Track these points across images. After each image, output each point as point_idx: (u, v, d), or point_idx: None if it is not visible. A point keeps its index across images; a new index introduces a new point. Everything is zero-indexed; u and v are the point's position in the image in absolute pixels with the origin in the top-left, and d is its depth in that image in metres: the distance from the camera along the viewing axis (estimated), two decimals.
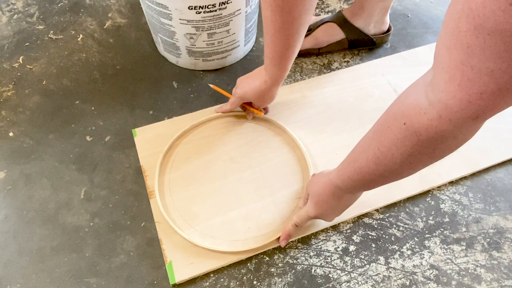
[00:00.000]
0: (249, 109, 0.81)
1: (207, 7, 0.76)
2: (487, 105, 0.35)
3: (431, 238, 0.72)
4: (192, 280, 0.67)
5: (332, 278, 0.67)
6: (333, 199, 0.61)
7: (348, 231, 0.72)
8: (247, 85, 0.75)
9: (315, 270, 0.68)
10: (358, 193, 0.62)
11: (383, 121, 0.48)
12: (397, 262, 0.69)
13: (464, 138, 0.42)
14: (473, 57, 0.33)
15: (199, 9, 0.76)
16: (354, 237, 0.72)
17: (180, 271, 0.66)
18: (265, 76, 0.72)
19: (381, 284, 0.67)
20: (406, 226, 0.73)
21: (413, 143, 0.42)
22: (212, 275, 0.67)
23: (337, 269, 0.68)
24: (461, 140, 0.42)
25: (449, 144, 0.42)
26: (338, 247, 0.71)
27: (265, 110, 0.83)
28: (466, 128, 0.39)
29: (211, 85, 0.85)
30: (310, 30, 0.92)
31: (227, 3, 0.77)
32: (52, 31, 0.97)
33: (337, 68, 0.93)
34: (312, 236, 0.71)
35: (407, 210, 0.75)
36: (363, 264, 0.69)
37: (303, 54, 0.93)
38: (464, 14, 0.32)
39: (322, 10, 1.03)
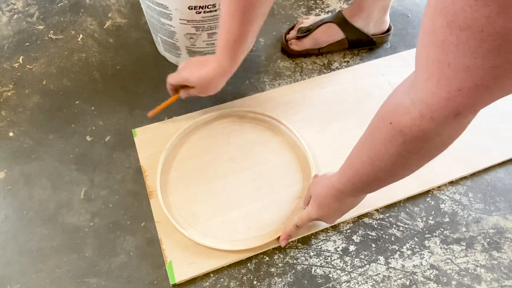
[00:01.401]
0: (181, 91, 0.78)
1: (207, 7, 0.76)
2: (466, 101, 0.35)
3: (431, 238, 0.72)
4: (192, 280, 0.67)
5: (332, 278, 0.67)
6: (336, 202, 0.61)
7: (348, 231, 0.72)
8: (194, 68, 0.73)
9: (315, 270, 0.68)
10: (360, 196, 0.62)
11: (373, 122, 0.48)
12: (397, 262, 0.69)
13: (450, 136, 0.42)
14: (449, 54, 0.33)
15: (199, 9, 0.76)
16: (354, 237, 0.72)
17: (180, 271, 0.66)
18: (214, 64, 0.70)
19: (381, 284, 0.67)
20: (406, 226, 0.73)
21: (399, 143, 0.43)
22: (212, 275, 0.67)
23: (337, 269, 0.68)
24: (447, 138, 0.43)
25: (435, 142, 0.42)
26: (338, 247, 0.71)
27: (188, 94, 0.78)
28: (449, 125, 0.39)
29: (148, 115, 0.80)
30: (310, 30, 0.92)
31: None
32: (52, 31, 0.97)
33: (337, 68, 0.93)
34: (312, 236, 0.71)
35: (407, 210, 0.75)
36: (363, 264, 0.69)
37: (303, 54, 0.94)
38: (438, 11, 0.33)
39: (322, 10, 1.03)
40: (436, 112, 0.37)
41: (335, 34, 0.92)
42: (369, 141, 0.48)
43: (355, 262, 0.69)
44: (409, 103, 0.40)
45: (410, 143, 0.42)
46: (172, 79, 0.76)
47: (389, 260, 0.70)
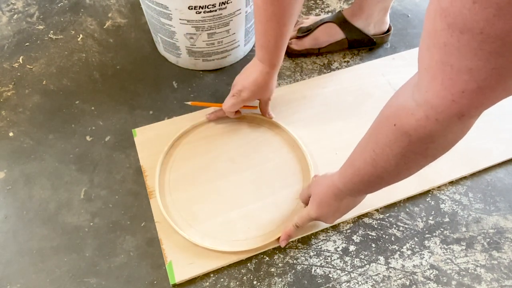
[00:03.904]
0: (246, 108, 0.80)
1: (207, 7, 0.76)
2: (470, 103, 0.35)
3: (431, 238, 0.72)
4: (192, 280, 0.67)
5: (332, 278, 0.67)
6: (335, 201, 0.61)
7: (348, 231, 0.72)
8: (246, 80, 0.74)
9: (315, 270, 0.68)
10: (360, 196, 0.62)
11: (377, 123, 0.48)
12: (397, 262, 0.69)
13: (455, 137, 0.42)
14: (451, 56, 0.33)
15: (199, 9, 0.76)
16: (354, 237, 0.72)
17: (180, 271, 0.66)
18: (262, 66, 0.71)
19: (381, 284, 0.67)
20: (406, 226, 0.73)
21: (404, 144, 0.43)
22: (212, 275, 0.67)
23: (337, 269, 0.68)
24: (452, 139, 0.43)
25: (440, 143, 0.42)
26: (338, 247, 0.71)
27: (269, 115, 0.81)
28: (454, 126, 0.40)
29: (189, 103, 0.82)
30: (310, 30, 0.92)
31: (227, 3, 0.77)
32: (52, 31, 0.97)
33: (337, 68, 0.93)
34: (312, 236, 0.71)
35: (407, 210, 0.75)
36: (363, 264, 0.69)
37: (303, 54, 0.93)
38: (438, 14, 0.32)
39: (322, 10, 1.03)
40: (441, 113, 0.37)
41: (335, 34, 0.92)
42: (373, 142, 0.48)
43: (355, 262, 0.69)
44: (413, 104, 0.40)
45: (415, 144, 0.42)
46: (233, 107, 0.76)
47: (389, 260, 0.70)
